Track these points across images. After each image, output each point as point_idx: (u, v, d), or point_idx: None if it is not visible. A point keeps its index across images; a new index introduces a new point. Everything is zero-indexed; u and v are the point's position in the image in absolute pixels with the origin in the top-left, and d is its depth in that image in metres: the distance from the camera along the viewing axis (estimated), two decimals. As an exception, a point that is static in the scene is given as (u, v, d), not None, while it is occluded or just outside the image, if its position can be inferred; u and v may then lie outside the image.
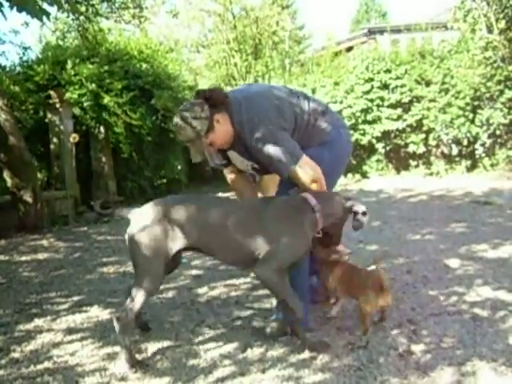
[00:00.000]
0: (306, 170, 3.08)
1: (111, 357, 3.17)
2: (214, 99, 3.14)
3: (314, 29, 30.79)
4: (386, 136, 13.57)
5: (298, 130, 3.25)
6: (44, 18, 3.67)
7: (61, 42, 12.08)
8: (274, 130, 3.08)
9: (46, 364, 3.12)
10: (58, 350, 3.33)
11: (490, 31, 11.97)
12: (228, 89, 17.36)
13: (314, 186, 3.09)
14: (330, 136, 3.29)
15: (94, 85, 10.00)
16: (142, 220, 3.10)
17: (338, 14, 76.75)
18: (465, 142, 12.95)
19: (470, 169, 13.15)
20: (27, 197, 7.81)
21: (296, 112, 3.24)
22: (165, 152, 11.55)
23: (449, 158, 13.46)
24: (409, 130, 13.45)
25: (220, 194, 11.14)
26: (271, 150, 3.07)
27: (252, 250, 2.97)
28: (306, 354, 3.02)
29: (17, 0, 3.53)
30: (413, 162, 13.80)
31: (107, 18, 10.74)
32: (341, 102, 13.64)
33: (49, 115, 9.68)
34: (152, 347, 3.28)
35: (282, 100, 3.24)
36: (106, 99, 10.00)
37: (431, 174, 13.29)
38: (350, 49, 19.58)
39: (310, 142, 3.29)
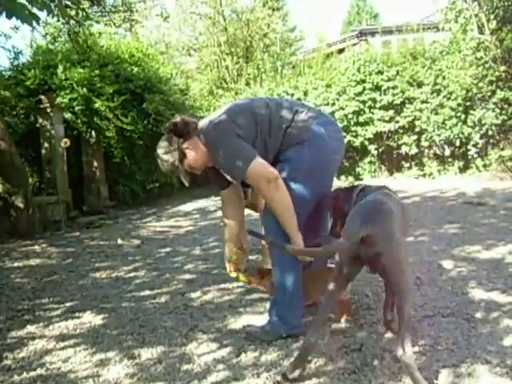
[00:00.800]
0: (259, 172, 3.10)
1: (104, 363, 3.14)
2: (179, 130, 3.31)
3: (305, 31, 30.89)
4: (378, 138, 13.60)
5: (266, 132, 3.26)
6: (34, 23, 3.65)
7: (51, 47, 12.04)
8: (228, 139, 3.15)
9: (39, 371, 3.09)
10: (50, 356, 3.31)
11: (481, 32, 12.00)
12: (219, 92, 17.43)
13: (272, 186, 3.07)
14: (309, 133, 3.25)
15: (85, 89, 9.98)
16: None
17: (330, 16, 76.92)
18: (457, 143, 12.99)
19: (463, 170, 13.18)
20: (19, 202, 7.78)
21: (258, 115, 3.26)
22: (157, 156, 11.52)
23: (441, 159, 13.49)
24: (401, 131, 13.49)
25: (213, 198, 11.15)
26: (225, 159, 3.19)
27: None
28: (301, 358, 3.01)
29: (6, 5, 3.51)
30: (405, 164, 13.83)
31: (98, 21, 10.74)
32: (333, 104, 13.66)
33: (40, 120, 9.66)
34: (145, 352, 3.25)
35: (241, 108, 3.35)
36: (98, 103, 9.98)
37: (424, 175, 13.32)
38: (341, 51, 19.63)
39: (290, 140, 3.26)
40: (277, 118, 3.28)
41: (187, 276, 5.15)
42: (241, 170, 3.11)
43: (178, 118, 3.37)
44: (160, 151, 3.41)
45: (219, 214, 8.04)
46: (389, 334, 3.26)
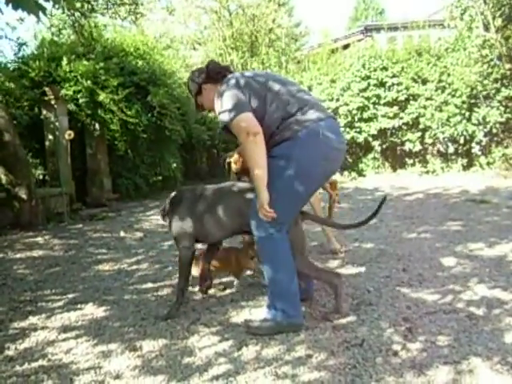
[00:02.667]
0: (242, 124, 3.21)
1: (106, 355, 3.15)
2: (209, 70, 3.68)
3: (310, 26, 30.79)
4: (382, 134, 13.60)
5: (269, 109, 3.33)
6: (40, 14, 3.64)
7: (56, 39, 12.03)
8: (231, 91, 3.32)
9: (41, 362, 3.11)
10: (52, 347, 3.32)
11: (486, 29, 11.98)
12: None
13: (250, 139, 3.17)
14: (305, 132, 3.24)
15: (89, 81, 9.97)
16: None
17: (336, 12, 76.77)
18: (461, 141, 12.98)
19: (467, 167, 13.18)
20: (22, 194, 7.78)
21: (262, 90, 3.37)
22: (160, 149, 11.54)
23: (445, 157, 13.48)
24: (405, 128, 13.48)
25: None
26: (221, 104, 3.35)
27: None
28: (302, 352, 3.02)
29: (13, -4, 3.49)
30: (409, 160, 13.83)
31: (103, 14, 10.72)
32: (337, 100, 13.65)
33: (44, 112, 9.64)
34: (147, 345, 3.26)
35: (259, 79, 3.46)
36: (102, 96, 9.97)
37: (427, 172, 13.32)
38: (346, 46, 19.58)
39: (285, 132, 3.28)
40: (279, 106, 3.31)
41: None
42: (228, 115, 3.26)
43: (212, 63, 3.77)
44: (190, 75, 3.82)
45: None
46: (390, 330, 3.27)
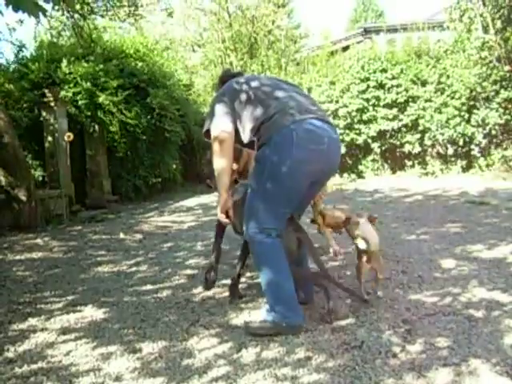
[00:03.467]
0: (213, 131, 3.45)
1: (105, 357, 3.15)
2: (222, 80, 3.92)
3: (310, 28, 30.80)
4: (381, 136, 13.61)
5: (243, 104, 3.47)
6: (40, 15, 3.64)
7: (56, 40, 12.04)
8: (215, 102, 3.58)
9: (40, 364, 3.10)
10: (51, 349, 3.32)
11: (485, 31, 12.00)
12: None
13: (215, 145, 3.42)
14: (277, 136, 3.26)
15: (89, 83, 9.99)
16: None
17: (335, 14, 76.84)
18: (460, 142, 12.99)
19: (466, 169, 13.20)
20: (21, 195, 7.78)
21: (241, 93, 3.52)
22: (160, 151, 11.54)
23: (444, 158, 13.50)
24: (404, 129, 13.50)
25: (215, 194, 11.14)
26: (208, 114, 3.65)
27: None
28: (301, 354, 3.01)
29: (13, -1, 3.49)
30: (408, 162, 13.85)
31: (102, 16, 10.73)
32: (336, 102, 13.66)
33: (43, 113, 9.65)
34: (146, 347, 3.26)
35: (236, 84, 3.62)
36: (101, 98, 9.99)
37: (427, 173, 13.33)
38: (346, 48, 19.58)
39: (263, 134, 3.37)
40: (256, 109, 3.42)
41: (189, 271, 5.16)
42: (208, 124, 3.54)
43: (225, 71, 4.17)
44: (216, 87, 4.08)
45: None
46: (389, 332, 3.27)
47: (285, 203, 3.40)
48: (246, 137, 3.47)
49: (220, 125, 3.41)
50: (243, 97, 3.45)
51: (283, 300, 3.34)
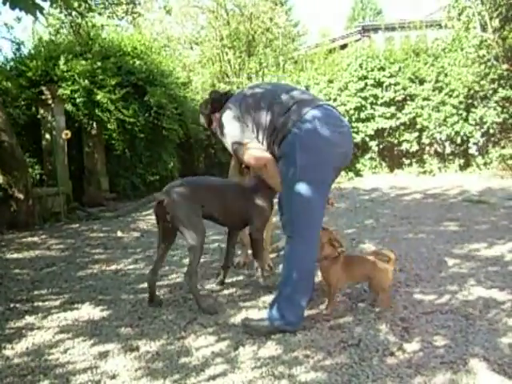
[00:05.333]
0: (252, 162, 3.61)
1: (103, 355, 3.15)
2: (212, 101, 3.89)
3: (308, 26, 30.79)
4: (379, 134, 13.60)
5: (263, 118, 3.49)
6: (38, 13, 3.63)
7: (53, 38, 12.02)
8: (228, 122, 3.59)
9: (37, 362, 3.10)
10: (49, 347, 3.31)
11: (483, 29, 11.99)
12: (221, 86, 17.38)
13: (264, 171, 3.63)
14: (301, 127, 3.27)
15: (86, 81, 9.96)
16: None
17: (333, 12, 76.79)
18: (458, 141, 13.00)
19: (464, 167, 13.19)
20: (19, 193, 7.77)
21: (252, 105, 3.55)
22: (157, 149, 11.52)
23: (442, 157, 13.50)
24: (402, 128, 13.48)
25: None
26: (223, 136, 3.67)
27: None
28: (299, 352, 3.02)
29: (10, -4, 3.48)
30: (406, 161, 13.84)
31: (100, 13, 10.71)
32: (334, 100, 13.64)
33: (41, 111, 9.63)
34: (144, 345, 3.26)
35: (244, 95, 3.71)
36: (99, 95, 9.97)
37: (424, 172, 13.32)
38: (344, 46, 19.58)
39: (283, 130, 3.35)
40: (274, 113, 3.42)
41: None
42: (232, 148, 3.59)
43: (214, 93, 4.01)
44: (200, 109, 4.06)
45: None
46: (386, 330, 3.27)
47: (320, 192, 3.37)
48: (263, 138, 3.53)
49: (254, 151, 3.50)
50: (254, 105, 3.53)
51: (293, 303, 3.32)
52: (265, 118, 3.44)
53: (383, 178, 13.14)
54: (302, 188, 3.25)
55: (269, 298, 3.86)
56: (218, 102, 3.83)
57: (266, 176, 3.70)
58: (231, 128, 3.54)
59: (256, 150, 3.47)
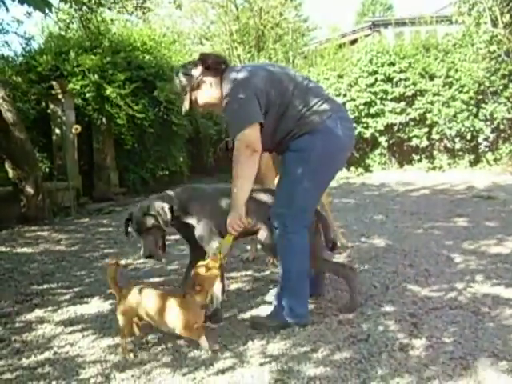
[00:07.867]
0: (247, 137, 3.15)
1: (112, 348, 3.16)
2: (208, 63, 3.35)
3: (318, 21, 30.70)
4: (389, 129, 13.57)
5: (283, 107, 3.25)
6: (46, 10, 3.63)
7: (63, 33, 12.04)
8: (243, 97, 3.18)
9: (47, 354, 3.12)
10: (58, 340, 3.33)
11: (494, 25, 11.93)
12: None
13: (248, 152, 3.14)
14: (323, 126, 3.23)
15: (96, 76, 9.99)
16: None
17: (344, 7, 76.58)
18: (468, 137, 12.95)
19: (473, 163, 13.15)
20: (29, 188, 7.80)
21: (284, 89, 3.27)
22: (167, 144, 11.54)
23: (452, 153, 13.45)
24: (412, 123, 13.46)
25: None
26: (231, 112, 3.25)
27: None
28: (307, 347, 3.02)
29: (19, -8, 3.48)
30: (416, 156, 13.80)
31: (110, 8, 10.72)
32: (344, 95, 13.64)
33: (51, 106, 9.67)
34: (153, 339, 3.27)
35: (272, 73, 3.34)
36: (109, 90, 9.99)
37: (434, 168, 13.29)
38: (354, 41, 19.50)
39: (303, 127, 3.24)
40: (298, 100, 3.27)
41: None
42: (236, 128, 3.19)
43: (212, 54, 3.50)
44: (182, 70, 3.44)
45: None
46: (395, 325, 3.27)
47: (321, 192, 3.46)
48: (278, 137, 3.33)
49: (256, 133, 3.17)
50: (279, 87, 3.27)
51: (297, 295, 3.33)
52: (289, 103, 3.25)
53: (393, 173, 13.12)
54: (311, 186, 3.26)
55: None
56: (215, 63, 3.37)
57: (241, 163, 3.18)
58: (249, 106, 3.18)
59: (258, 136, 3.18)
